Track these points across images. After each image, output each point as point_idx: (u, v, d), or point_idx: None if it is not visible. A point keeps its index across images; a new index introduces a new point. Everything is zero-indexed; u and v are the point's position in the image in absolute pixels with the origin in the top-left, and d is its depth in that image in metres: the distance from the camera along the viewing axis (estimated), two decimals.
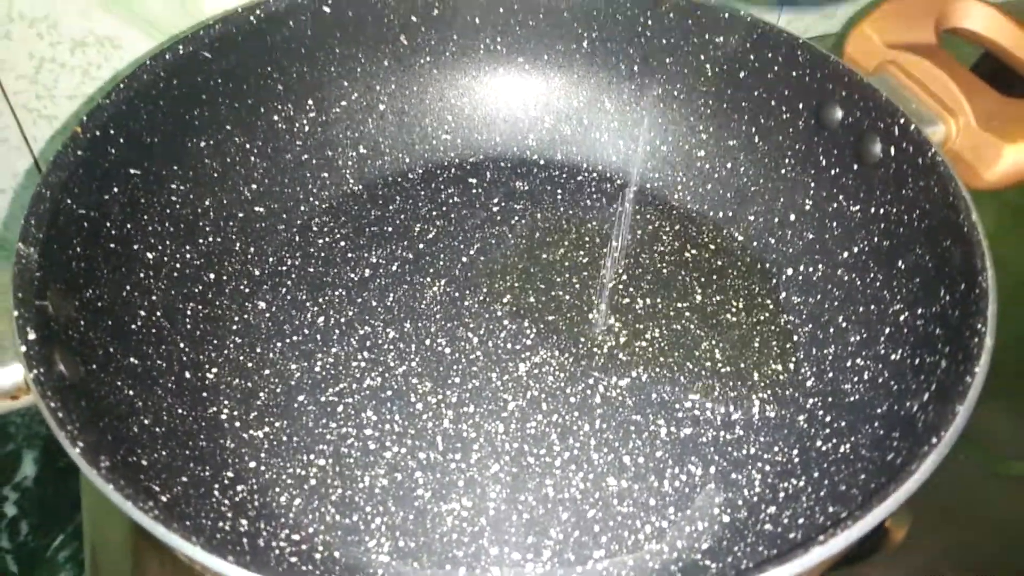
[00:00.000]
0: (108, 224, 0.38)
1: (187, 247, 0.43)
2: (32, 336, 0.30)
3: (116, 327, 0.37)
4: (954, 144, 0.43)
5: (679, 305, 0.46)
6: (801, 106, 0.45)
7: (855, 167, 0.44)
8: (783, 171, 0.47)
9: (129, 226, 0.40)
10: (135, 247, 0.40)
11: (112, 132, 0.38)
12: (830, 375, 0.42)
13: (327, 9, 0.46)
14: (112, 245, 0.39)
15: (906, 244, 0.41)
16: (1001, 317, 0.34)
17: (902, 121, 0.40)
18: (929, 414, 0.34)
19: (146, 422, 0.36)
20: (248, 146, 0.46)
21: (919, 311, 0.39)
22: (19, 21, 0.47)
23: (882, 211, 0.42)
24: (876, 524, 0.27)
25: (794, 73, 0.45)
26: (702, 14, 0.47)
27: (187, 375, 0.40)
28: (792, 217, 0.47)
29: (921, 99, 0.44)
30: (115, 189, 0.39)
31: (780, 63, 0.45)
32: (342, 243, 0.47)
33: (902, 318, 0.40)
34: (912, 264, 0.40)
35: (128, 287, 0.39)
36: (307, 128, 0.48)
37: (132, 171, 0.40)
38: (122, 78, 0.40)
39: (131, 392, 0.36)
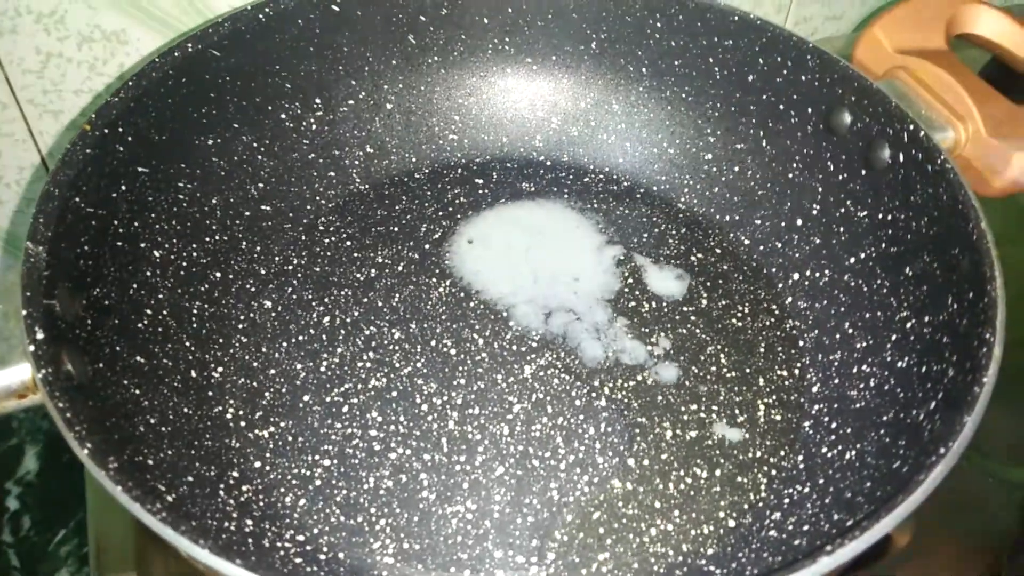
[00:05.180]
0: (115, 222, 0.38)
1: (194, 245, 0.43)
2: (40, 336, 0.30)
3: (122, 326, 0.37)
4: (963, 151, 0.43)
5: (684, 309, 0.46)
6: (810, 110, 0.45)
7: (863, 172, 0.43)
8: (790, 175, 0.47)
9: (136, 224, 0.40)
10: (142, 245, 0.40)
11: (120, 130, 0.38)
12: (836, 381, 0.42)
13: (336, 8, 0.46)
14: (119, 243, 0.39)
15: (914, 251, 0.40)
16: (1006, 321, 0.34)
17: (911, 127, 0.40)
18: (936, 423, 0.34)
19: (152, 421, 0.36)
20: (255, 145, 0.46)
21: (926, 319, 0.39)
22: (26, 15, 0.47)
23: (890, 217, 0.42)
24: (883, 535, 0.27)
25: (803, 77, 0.45)
26: (712, 16, 0.47)
27: (193, 374, 0.40)
28: (799, 222, 0.47)
29: (930, 105, 0.44)
30: (123, 187, 0.39)
31: (789, 67, 0.45)
32: (348, 243, 0.47)
33: (909, 325, 0.40)
34: (920, 271, 0.40)
35: (135, 285, 0.39)
36: (314, 127, 0.48)
37: (140, 169, 0.40)
38: (131, 75, 0.39)
39: (137, 391, 0.36)
